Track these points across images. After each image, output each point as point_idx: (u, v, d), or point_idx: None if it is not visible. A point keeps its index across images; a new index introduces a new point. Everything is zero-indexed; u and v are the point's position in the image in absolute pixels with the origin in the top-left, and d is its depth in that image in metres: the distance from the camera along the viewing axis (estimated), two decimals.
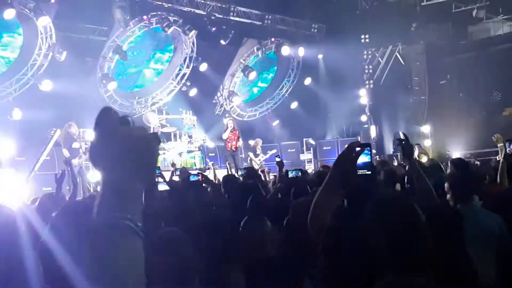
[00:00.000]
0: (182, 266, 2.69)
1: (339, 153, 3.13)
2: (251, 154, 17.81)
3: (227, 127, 16.73)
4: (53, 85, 15.52)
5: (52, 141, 13.81)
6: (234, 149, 16.82)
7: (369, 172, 3.11)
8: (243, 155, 18.57)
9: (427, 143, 21.06)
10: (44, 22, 15.10)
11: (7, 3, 13.99)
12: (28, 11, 14.83)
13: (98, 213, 1.27)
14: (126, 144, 1.33)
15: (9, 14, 14.15)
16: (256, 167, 15.91)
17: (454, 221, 3.43)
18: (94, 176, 13.51)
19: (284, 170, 8.28)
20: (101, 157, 1.33)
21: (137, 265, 1.28)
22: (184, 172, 10.00)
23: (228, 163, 14.92)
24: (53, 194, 6.23)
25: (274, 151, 17.76)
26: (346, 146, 3.07)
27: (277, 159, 9.22)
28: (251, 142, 18.62)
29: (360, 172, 3.07)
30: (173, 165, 12.69)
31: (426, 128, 21.36)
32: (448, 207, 4.52)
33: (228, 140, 16.75)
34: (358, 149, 3.01)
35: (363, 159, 3.03)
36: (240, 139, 17.06)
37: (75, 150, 13.50)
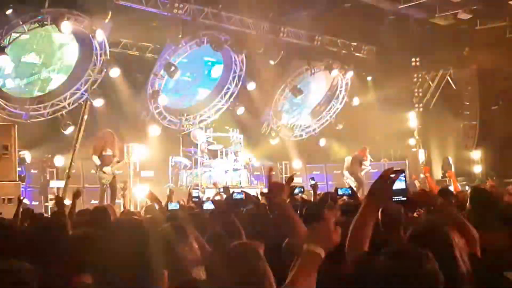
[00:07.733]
0: None
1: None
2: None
3: None
4: (105, 100, 15.95)
5: (85, 116, 14.20)
6: None
7: (404, 198, 3.10)
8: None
9: (477, 169, 20.64)
10: (100, 38, 15.48)
11: (64, 19, 14.45)
12: (84, 28, 15.28)
13: None
14: None
15: (66, 27, 14.54)
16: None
17: None
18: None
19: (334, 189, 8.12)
20: None
21: None
22: (228, 191, 10.01)
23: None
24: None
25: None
26: (380, 173, 3.06)
27: (311, 182, 9.18)
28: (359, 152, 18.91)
29: (395, 198, 3.07)
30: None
31: (476, 154, 20.94)
32: None
33: None
34: (392, 175, 3.00)
35: (398, 185, 3.02)
36: None
37: (107, 157, 13.84)
